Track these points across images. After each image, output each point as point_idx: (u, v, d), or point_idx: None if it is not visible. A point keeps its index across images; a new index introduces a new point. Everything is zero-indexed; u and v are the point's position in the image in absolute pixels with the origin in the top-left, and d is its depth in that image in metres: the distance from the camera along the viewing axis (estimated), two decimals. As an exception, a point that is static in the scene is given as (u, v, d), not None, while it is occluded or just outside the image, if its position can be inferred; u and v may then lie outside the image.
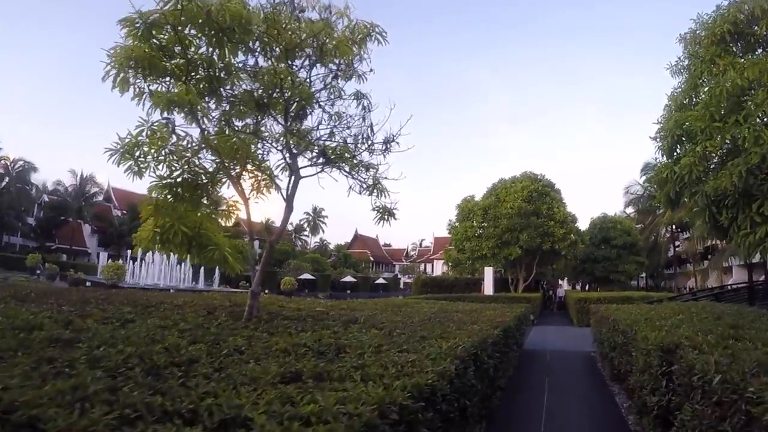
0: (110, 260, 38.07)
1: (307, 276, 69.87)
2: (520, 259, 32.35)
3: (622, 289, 39.65)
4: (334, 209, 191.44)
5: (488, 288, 28.13)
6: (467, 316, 8.99)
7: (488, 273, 28.73)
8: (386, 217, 7.25)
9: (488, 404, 6.88)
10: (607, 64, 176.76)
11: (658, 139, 11.08)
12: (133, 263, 39.57)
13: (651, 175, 10.72)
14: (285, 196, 7.43)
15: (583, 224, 39.63)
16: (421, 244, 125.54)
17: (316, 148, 7.03)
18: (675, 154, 10.50)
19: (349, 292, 72.84)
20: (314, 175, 7.42)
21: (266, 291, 53.40)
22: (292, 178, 7.36)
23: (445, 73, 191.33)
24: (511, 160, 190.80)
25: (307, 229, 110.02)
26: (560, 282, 37.00)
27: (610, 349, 9.80)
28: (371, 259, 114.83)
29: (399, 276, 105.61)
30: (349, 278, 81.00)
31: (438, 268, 70.82)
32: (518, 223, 29.86)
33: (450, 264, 35.94)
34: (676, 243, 57.09)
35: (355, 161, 6.97)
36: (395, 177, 7.15)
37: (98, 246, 70.47)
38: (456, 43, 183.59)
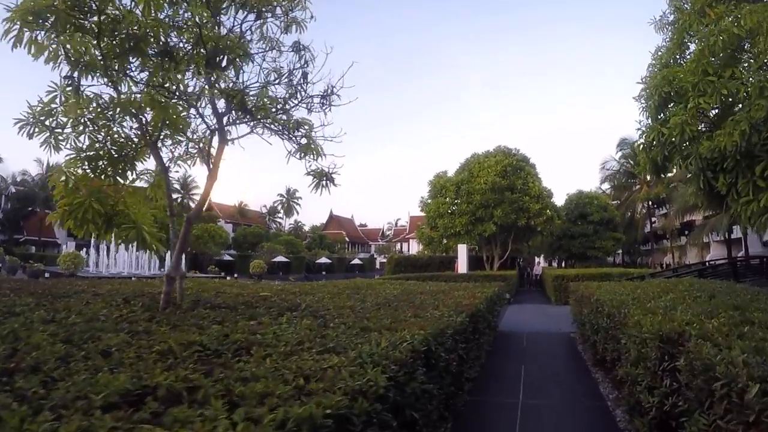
0: (75, 250, 36.69)
1: (281, 258, 69.37)
2: (494, 235, 31.40)
3: (598, 265, 39.18)
4: (309, 191, 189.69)
5: (462, 266, 27.16)
6: (431, 299, 7.93)
7: (462, 251, 27.71)
8: (324, 182, 6.02)
9: (453, 402, 5.87)
10: (582, 38, 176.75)
11: (642, 100, 9.94)
12: (98, 252, 38.03)
13: (636, 141, 9.51)
14: (209, 164, 6.22)
15: (559, 200, 38.86)
16: (396, 224, 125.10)
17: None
18: (662, 115, 9.35)
19: (324, 273, 72.38)
20: (243, 136, 6.23)
21: (236, 276, 52.83)
22: (216, 141, 6.15)
23: (417, 46, 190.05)
24: (487, 137, 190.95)
25: (281, 211, 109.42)
26: (537, 259, 35.74)
27: (592, 332, 8.81)
28: (347, 239, 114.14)
29: (375, 256, 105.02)
30: (324, 260, 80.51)
31: (414, 247, 70.32)
32: (492, 198, 28.81)
33: (423, 242, 34.71)
34: (653, 219, 56.82)
35: (285, 117, 5.73)
36: (334, 136, 5.91)
37: (68, 236, 68.56)
38: (426, 16, 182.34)
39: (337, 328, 4.43)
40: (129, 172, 6.45)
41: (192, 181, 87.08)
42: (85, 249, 36.91)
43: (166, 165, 6.47)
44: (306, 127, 5.76)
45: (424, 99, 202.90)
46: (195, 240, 61.53)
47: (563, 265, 48.31)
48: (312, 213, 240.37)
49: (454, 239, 30.98)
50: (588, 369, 9.16)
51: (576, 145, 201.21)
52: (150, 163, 6.65)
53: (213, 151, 6.31)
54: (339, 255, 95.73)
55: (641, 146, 9.85)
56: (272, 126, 5.83)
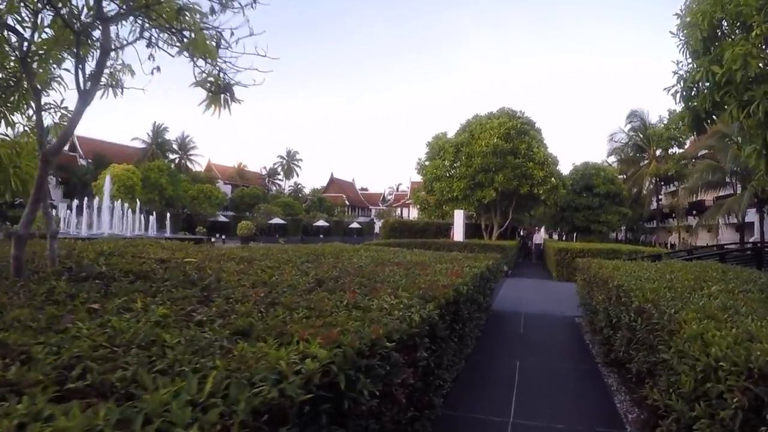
0: (69, 211, 35.77)
1: (277, 221, 68.95)
2: (495, 202, 29.44)
3: (601, 240, 37.34)
4: (310, 152, 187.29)
5: (458, 233, 25.25)
6: (402, 274, 5.95)
7: (458, 217, 25.74)
8: (224, 98, 4.05)
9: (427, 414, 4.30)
10: (594, 7, 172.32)
11: (682, 34, 7.83)
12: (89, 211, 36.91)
13: (672, 88, 7.41)
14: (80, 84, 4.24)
15: (564, 170, 36.54)
16: (398, 189, 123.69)
17: None
18: (711, 51, 7.25)
19: (321, 236, 71.78)
20: (129, 44, 4.24)
21: (223, 238, 51.08)
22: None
23: (426, 19, 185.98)
24: (492, 101, 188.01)
25: (281, 172, 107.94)
26: (538, 230, 33.60)
27: (607, 324, 6.92)
28: (347, 203, 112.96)
29: (375, 220, 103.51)
30: (322, 222, 79.77)
31: (414, 213, 68.78)
32: (493, 162, 26.72)
33: (419, 207, 32.75)
34: (660, 196, 54.75)
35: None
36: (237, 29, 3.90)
37: (63, 197, 67.11)
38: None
39: (189, 331, 2.49)
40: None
41: (190, 141, 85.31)
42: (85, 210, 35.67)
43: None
44: (197, 16, 3.76)
45: (430, 62, 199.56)
46: (190, 200, 60.08)
47: (565, 238, 46.49)
48: (313, 175, 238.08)
49: (451, 204, 29.01)
50: (598, 370, 7.38)
51: (584, 117, 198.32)
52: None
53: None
54: (338, 218, 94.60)
55: (679, 94, 7.78)
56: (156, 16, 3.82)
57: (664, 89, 8.20)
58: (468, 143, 28.29)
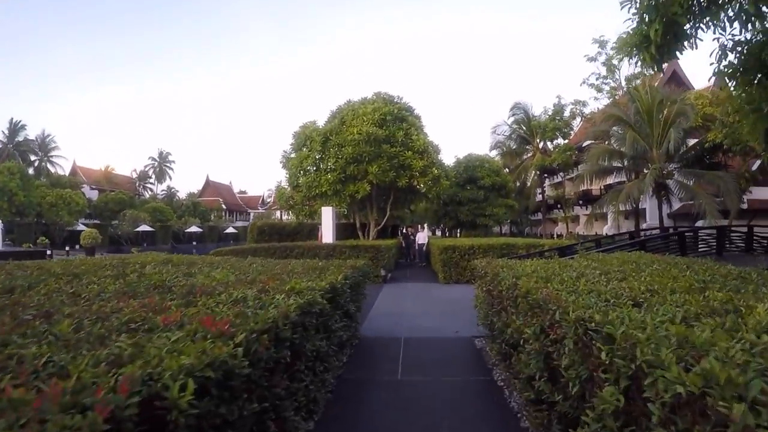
0: None
1: (145, 228, 63.78)
2: (370, 198, 25.95)
3: (484, 234, 35.04)
4: (184, 154, 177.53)
5: (327, 235, 21.44)
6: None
7: (327, 215, 21.85)
8: None
9: None
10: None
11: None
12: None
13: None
14: None
15: (447, 162, 33.46)
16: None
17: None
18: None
19: (194, 243, 68.25)
20: None
21: (67, 249, 44.64)
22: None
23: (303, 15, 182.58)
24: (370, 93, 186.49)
25: (153, 176, 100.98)
26: (422, 227, 29.76)
27: (539, 364, 3.48)
28: (224, 207, 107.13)
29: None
30: (194, 228, 74.20)
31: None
32: (366, 152, 23.13)
33: (283, 206, 28.34)
34: (544, 187, 53.84)
35: None
36: None
37: None
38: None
39: None
40: None
41: (51, 141, 77.43)
42: None
43: None
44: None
45: (307, 55, 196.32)
46: (48, 208, 53.12)
47: (449, 234, 44.03)
48: (188, 179, 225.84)
49: (320, 201, 25.21)
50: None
51: (467, 112, 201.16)
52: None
53: None
54: (215, 223, 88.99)
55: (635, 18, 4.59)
56: None
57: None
58: (338, 131, 24.58)
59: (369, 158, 23.20)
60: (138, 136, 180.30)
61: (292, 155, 25.71)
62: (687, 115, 26.11)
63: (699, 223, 28.94)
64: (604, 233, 41.21)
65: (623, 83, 37.40)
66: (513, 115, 50.98)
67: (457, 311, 11.48)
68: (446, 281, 17.75)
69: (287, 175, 25.99)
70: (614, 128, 31.60)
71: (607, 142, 33.89)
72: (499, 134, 52.24)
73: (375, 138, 23.30)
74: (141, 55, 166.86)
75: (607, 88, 37.60)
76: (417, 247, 27.82)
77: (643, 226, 34.64)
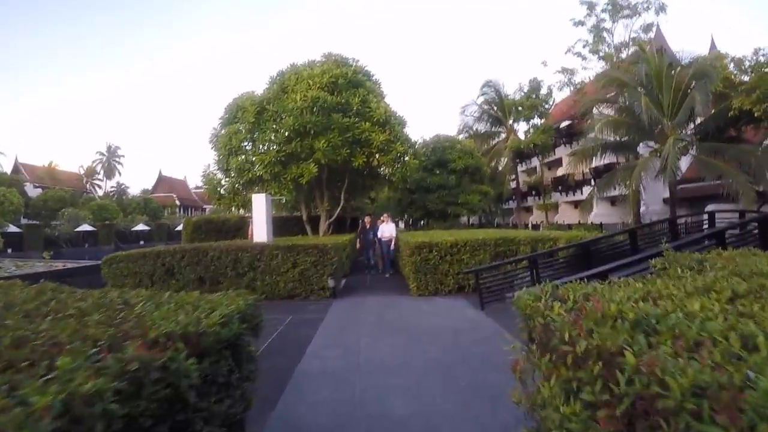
0: None
1: (85, 227, 58.39)
2: (319, 183, 20.82)
3: (450, 226, 30.15)
4: (135, 148, 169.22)
5: (260, 230, 15.92)
6: None
7: (259, 204, 16.13)
8: None
9: None
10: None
11: None
12: None
13: None
14: None
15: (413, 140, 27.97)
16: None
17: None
18: None
19: (142, 243, 62.07)
20: None
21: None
22: None
23: None
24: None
25: (101, 171, 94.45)
26: (386, 218, 19.85)
27: None
28: (177, 203, 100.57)
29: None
30: (141, 227, 68.18)
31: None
32: (312, 122, 17.72)
33: (210, 195, 22.60)
34: (517, 172, 49.21)
35: None
36: None
37: None
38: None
39: None
40: None
41: None
42: None
43: None
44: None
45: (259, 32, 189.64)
46: (-21, 208, 47.04)
47: (413, 226, 38.95)
48: (141, 174, 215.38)
49: (255, 188, 19.92)
50: None
51: (433, 94, 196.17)
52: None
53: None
54: (168, 220, 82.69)
55: None
56: None
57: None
58: (277, 99, 19.34)
59: (316, 131, 17.97)
60: (87, 131, 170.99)
61: (223, 132, 20.22)
62: (710, 77, 21.36)
63: (709, 208, 24.46)
64: (589, 222, 36.76)
65: (613, 52, 32.88)
66: (483, 94, 46.14)
67: (457, 357, 6.67)
68: (421, 293, 12.75)
69: (216, 158, 20.48)
70: (611, 96, 26.95)
71: (607, 113, 28.95)
72: (468, 115, 47.27)
73: (323, 105, 18.10)
74: (81, 43, 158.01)
75: (600, 53, 32.70)
76: (381, 246, 19.52)
77: (642, 210, 30.28)
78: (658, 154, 23.14)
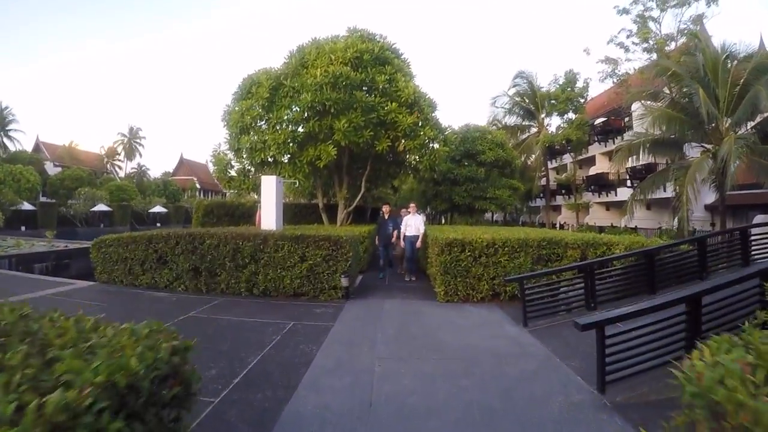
0: None
1: (101, 207, 56.84)
2: (339, 168, 19.01)
3: (476, 222, 28.27)
4: (158, 132, 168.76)
5: (269, 217, 14.03)
6: None
7: (268, 187, 14.09)
8: None
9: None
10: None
11: None
12: None
13: None
14: None
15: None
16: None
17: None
18: None
19: (159, 225, 62.01)
20: None
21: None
22: None
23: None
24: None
25: (122, 153, 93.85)
26: (410, 208, 16.02)
27: None
28: (198, 186, 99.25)
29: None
30: (158, 209, 67.05)
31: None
32: (333, 100, 15.91)
33: (220, 177, 20.65)
34: (549, 168, 46.96)
35: None
36: None
37: None
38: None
39: None
40: None
41: (9, 113, 69.63)
42: None
43: None
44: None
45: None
46: (-4, 185, 46.26)
47: (437, 220, 36.91)
48: (163, 157, 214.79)
49: (267, 170, 18.17)
50: None
51: (465, 84, 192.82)
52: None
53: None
54: (187, 203, 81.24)
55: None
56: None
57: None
58: (296, 74, 17.55)
59: (336, 109, 16.11)
60: (112, 114, 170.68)
61: (235, 109, 18.42)
62: (772, 73, 19.05)
63: (758, 219, 22.29)
64: (622, 225, 34.54)
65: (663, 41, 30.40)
66: (515, 86, 43.92)
67: (504, 401, 5.17)
68: (449, 299, 10.84)
69: (227, 136, 18.71)
70: (659, 88, 24.63)
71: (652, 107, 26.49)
72: (498, 107, 45.09)
73: (345, 82, 16.24)
74: (111, 25, 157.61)
75: (651, 41, 30.03)
76: (404, 241, 15.38)
77: (677, 220, 28.03)
78: (711, 155, 20.91)
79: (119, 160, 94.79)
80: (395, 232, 15.87)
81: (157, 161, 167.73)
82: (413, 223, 15.03)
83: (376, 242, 16.10)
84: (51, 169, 66.62)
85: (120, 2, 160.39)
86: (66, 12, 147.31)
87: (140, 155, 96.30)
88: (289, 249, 11.08)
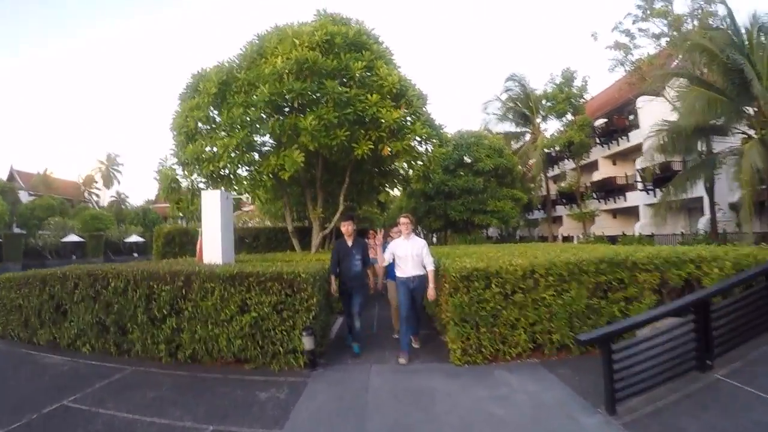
0: None
1: (73, 237, 54.17)
2: (310, 181, 15.40)
3: (472, 241, 24.79)
4: (136, 158, 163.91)
5: (212, 247, 10.08)
6: None
7: (211, 206, 9.86)
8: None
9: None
10: None
11: None
12: None
13: None
14: None
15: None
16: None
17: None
18: None
19: (136, 255, 58.39)
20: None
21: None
22: None
23: None
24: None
25: (100, 181, 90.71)
26: (403, 225, 8.20)
27: None
28: (180, 215, 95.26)
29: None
30: (135, 238, 63.77)
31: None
32: (296, 91, 12.35)
33: (164, 193, 16.60)
34: (548, 176, 43.44)
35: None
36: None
37: None
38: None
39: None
40: None
41: None
42: None
43: None
44: None
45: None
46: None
47: (434, 240, 33.38)
48: (144, 184, 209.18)
49: (220, 186, 14.28)
50: None
51: (456, 89, 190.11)
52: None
53: None
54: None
55: None
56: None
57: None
58: (253, 65, 14.02)
59: (301, 103, 12.53)
60: (92, 142, 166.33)
61: (179, 110, 14.73)
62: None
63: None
64: (635, 233, 30.98)
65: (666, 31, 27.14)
66: (507, 90, 40.72)
67: None
68: (469, 359, 6.98)
69: (174, 145, 15.02)
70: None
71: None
72: (490, 113, 41.83)
73: (313, 68, 12.68)
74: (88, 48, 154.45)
75: (668, 18, 26.51)
76: (391, 289, 9.32)
77: (701, 223, 24.92)
78: (760, 141, 17.47)
79: (97, 189, 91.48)
80: (373, 269, 9.54)
81: (140, 189, 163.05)
82: (409, 253, 8.04)
83: (332, 288, 8.60)
84: (26, 198, 63.64)
85: (95, 24, 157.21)
86: (39, 36, 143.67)
87: (118, 182, 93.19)
88: (222, 295, 7.28)
